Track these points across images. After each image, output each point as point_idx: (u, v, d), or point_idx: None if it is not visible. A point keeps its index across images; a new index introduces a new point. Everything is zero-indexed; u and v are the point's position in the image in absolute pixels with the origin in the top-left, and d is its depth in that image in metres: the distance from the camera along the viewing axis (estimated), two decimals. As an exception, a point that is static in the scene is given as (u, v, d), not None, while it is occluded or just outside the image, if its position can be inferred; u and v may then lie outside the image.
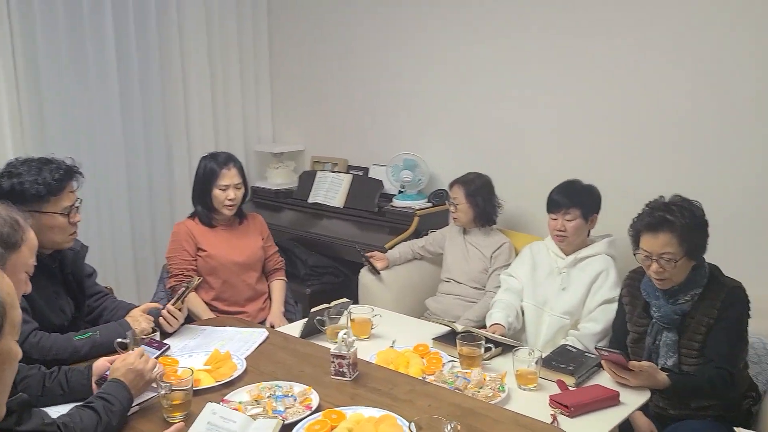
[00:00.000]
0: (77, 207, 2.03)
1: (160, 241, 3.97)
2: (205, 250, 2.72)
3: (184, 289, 2.18)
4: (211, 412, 1.44)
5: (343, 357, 1.83)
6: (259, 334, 2.15)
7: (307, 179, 4.00)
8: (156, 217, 3.95)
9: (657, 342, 2.14)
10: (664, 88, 2.80)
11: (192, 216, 2.80)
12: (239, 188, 2.74)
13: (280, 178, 4.19)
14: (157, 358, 1.84)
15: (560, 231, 2.61)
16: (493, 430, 1.56)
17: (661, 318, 2.12)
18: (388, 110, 3.84)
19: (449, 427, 1.39)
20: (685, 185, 2.31)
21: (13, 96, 3.25)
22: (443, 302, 3.03)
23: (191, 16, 3.93)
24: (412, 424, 1.42)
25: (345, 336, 1.85)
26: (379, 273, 3.09)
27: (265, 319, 2.77)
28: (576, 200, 2.59)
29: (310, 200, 3.90)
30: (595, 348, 2.09)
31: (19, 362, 1.12)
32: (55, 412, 1.51)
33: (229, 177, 2.70)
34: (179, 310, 2.14)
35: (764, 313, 2.36)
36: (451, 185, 3.09)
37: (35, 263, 1.58)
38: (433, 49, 3.56)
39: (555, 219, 2.62)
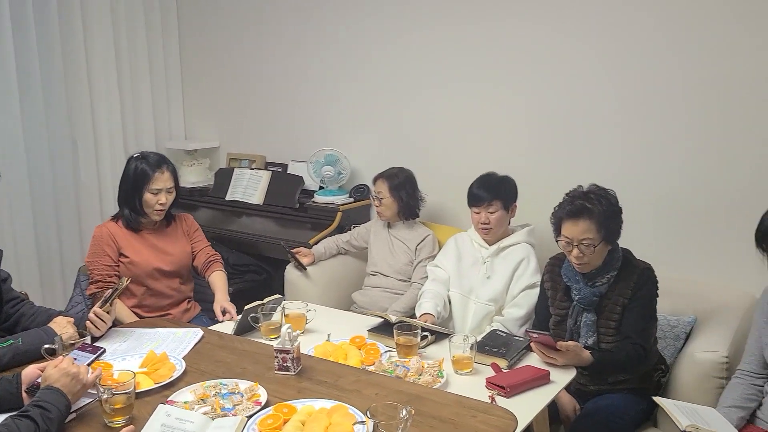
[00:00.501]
0: None
1: (67, 244, 3.77)
2: (127, 257, 2.59)
3: (112, 291, 2.09)
4: (164, 413, 1.40)
5: (287, 352, 1.83)
6: (194, 334, 2.10)
7: (223, 177, 3.92)
8: (62, 219, 3.74)
9: (578, 323, 2.29)
10: (577, 82, 2.96)
11: (115, 218, 2.66)
12: (171, 192, 2.62)
13: (194, 176, 4.09)
14: (91, 362, 1.76)
15: (485, 224, 2.71)
16: (441, 412, 1.62)
17: (581, 300, 2.27)
18: (307, 106, 3.83)
19: (404, 412, 1.43)
20: (594, 175, 2.47)
21: None
22: (370, 295, 3.07)
23: (94, 7, 3.74)
24: (368, 411, 1.45)
25: (289, 331, 1.84)
26: (305, 269, 3.09)
27: (191, 321, 2.70)
28: (496, 192, 2.70)
29: (228, 198, 3.83)
30: (526, 331, 2.20)
31: None
32: (-15, 424, 1.42)
33: (162, 181, 2.57)
34: (107, 312, 2.05)
35: (665, 292, 2.58)
36: (375, 180, 3.14)
37: None
38: (352, 43, 3.59)
39: (478, 213, 2.72)
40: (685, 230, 2.80)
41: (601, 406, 2.23)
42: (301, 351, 2.05)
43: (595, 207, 2.19)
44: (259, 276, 3.56)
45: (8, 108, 3.42)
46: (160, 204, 2.57)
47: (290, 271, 3.14)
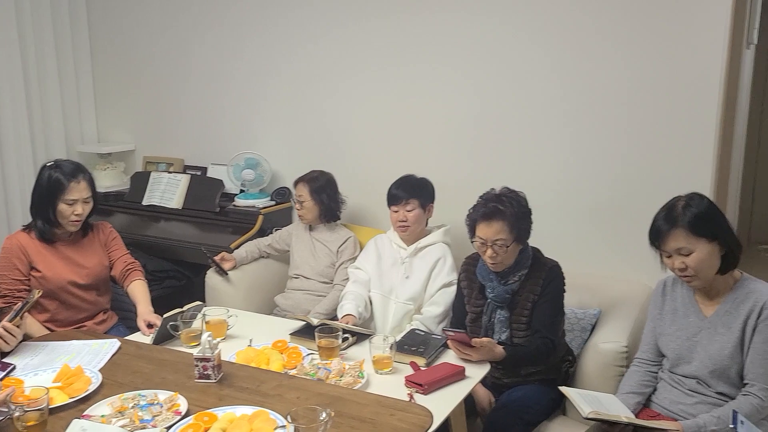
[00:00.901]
0: None
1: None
2: (39, 271, 2.49)
3: (22, 304, 2.02)
4: (80, 428, 1.39)
5: (207, 360, 1.83)
6: (111, 345, 2.07)
7: (139, 180, 3.83)
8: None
9: (492, 319, 2.40)
10: (491, 87, 3.07)
11: (27, 229, 2.55)
12: (88, 203, 2.52)
13: (108, 180, 3.96)
14: (1, 380, 1.71)
15: (402, 221, 2.80)
16: (361, 412, 1.67)
17: (495, 298, 2.38)
18: (226, 108, 3.79)
19: (324, 415, 1.47)
20: (506, 177, 2.59)
21: None
22: (292, 298, 3.09)
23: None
24: (289, 415, 1.48)
25: (208, 338, 1.85)
26: (226, 274, 3.08)
27: (107, 332, 2.63)
28: (413, 192, 2.79)
29: (145, 202, 3.74)
30: (443, 329, 2.29)
31: None
32: None
33: (77, 191, 2.47)
34: (17, 326, 1.99)
35: (572, 287, 2.74)
36: (296, 183, 3.16)
37: None
38: (271, 46, 3.58)
39: (396, 211, 2.80)
40: (591, 228, 2.97)
41: (513, 398, 2.35)
42: (223, 358, 2.06)
43: (507, 209, 2.30)
44: (179, 282, 3.50)
45: None
46: (76, 215, 2.48)
47: (211, 276, 3.11)
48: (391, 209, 2.82)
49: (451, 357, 2.20)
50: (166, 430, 1.47)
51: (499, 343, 2.33)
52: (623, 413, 1.92)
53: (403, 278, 2.80)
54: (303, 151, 3.59)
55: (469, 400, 2.39)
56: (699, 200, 1.98)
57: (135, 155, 4.13)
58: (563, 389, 2.01)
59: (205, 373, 1.84)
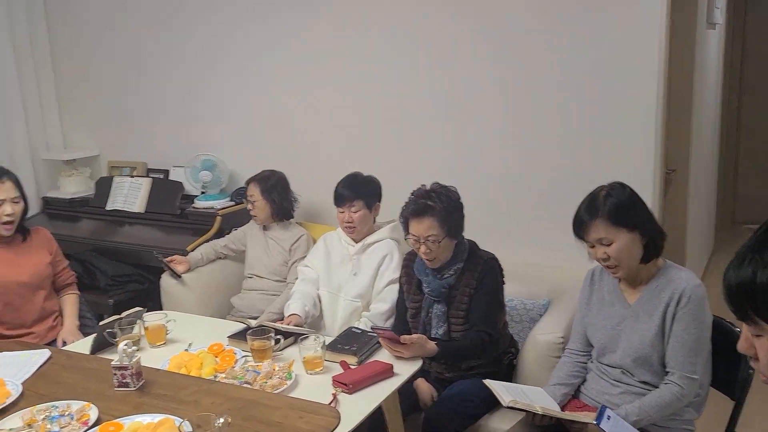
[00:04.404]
0: None
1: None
2: None
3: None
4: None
5: (125, 368, 1.85)
6: (41, 355, 2.09)
7: (103, 186, 3.85)
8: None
9: (429, 314, 2.39)
10: (431, 88, 3.08)
11: None
12: (17, 202, 2.59)
13: (74, 186, 3.99)
14: None
15: (348, 223, 2.79)
16: (271, 416, 1.68)
17: (431, 292, 2.37)
18: (185, 111, 3.80)
19: (219, 422, 1.48)
20: (451, 171, 2.60)
21: None
22: (247, 298, 3.10)
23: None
24: (183, 423, 1.49)
25: (125, 347, 1.86)
26: (180, 277, 3.09)
27: (56, 338, 2.66)
28: (359, 192, 2.78)
29: (109, 207, 3.77)
30: (371, 327, 2.29)
31: None
32: None
33: (3, 191, 2.54)
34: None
35: (522, 278, 2.73)
36: (247, 183, 3.17)
37: None
38: (225, 49, 3.59)
39: (342, 212, 2.80)
40: (540, 216, 2.95)
41: (453, 392, 2.34)
42: (158, 362, 2.08)
43: (436, 204, 2.29)
44: (141, 285, 3.52)
45: None
46: (7, 215, 2.55)
47: (165, 280, 3.13)
48: (338, 209, 2.82)
49: (385, 355, 2.20)
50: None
51: (436, 337, 2.33)
52: (547, 404, 1.92)
53: (351, 275, 2.81)
54: (260, 150, 3.60)
55: (413, 395, 2.41)
56: (620, 190, 1.97)
57: (100, 160, 4.15)
58: (487, 382, 2.01)
59: (124, 381, 1.85)
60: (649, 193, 2.69)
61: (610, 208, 1.92)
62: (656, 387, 1.92)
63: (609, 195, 1.95)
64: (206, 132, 3.76)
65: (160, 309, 2.90)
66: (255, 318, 2.83)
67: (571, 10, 2.74)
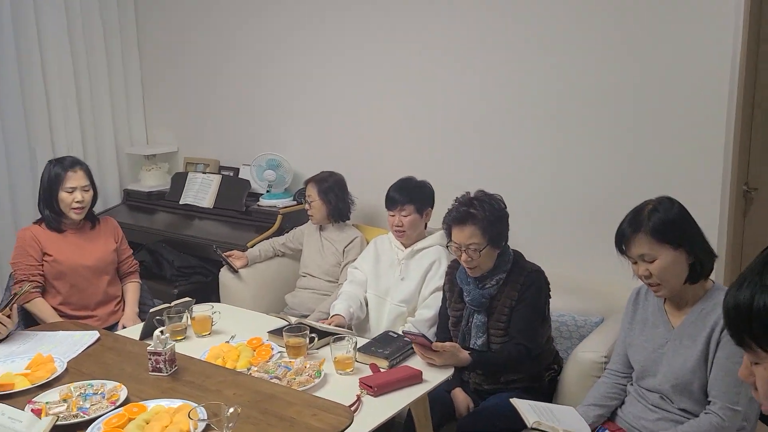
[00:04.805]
0: None
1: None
2: (51, 255, 2.72)
3: (12, 296, 2.21)
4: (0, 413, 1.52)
5: (159, 354, 1.93)
6: (90, 336, 2.21)
7: (178, 181, 4.05)
8: (20, 224, 3.88)
9: (469, 324, 2.35)
10: (491, 93, 3.04)
11: (38, 221, 2.80)
12: (87, 190, 2.75)
13: (153, 180, 4.21)
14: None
15: (398, 227, 2.79)
16: (285, 411, 1.70)
17: (472, 302, 2.33)
18: (257, 111, 3.93)
19: (229, 411, 1.52)
20: (501, 181, 2.55)
21: None
22: (299, 296, 3.16)
23: (49, 12, 3.84)
24: (198, 409, 1.54)
25: (159, 334, 1.95)
26: (236, 271, 3.19)
27: (117, 323, 2.82)
28: (410, 197, 2.78)
29: (181, 201, 3.95)
30: (403, 332, 2.27)
31: None
32: None
33: (75, 179, 2.72)
34: (8, 316, 2.18)
35: (575, 293, 2.63)
36: (306, 184, 3.23)
37: None
38: (297, 53, 3.68)
39: (393, 216, 2.80)
40: (598, 231, 2.82)
41: (489, 405, 2.29)
42: (199, 352, 2.17)
43: (478, 212, 2.25)
44: (206, 278, 3.66)
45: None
46: (77, 202, 2.70)
47: (224, 274, 3.24)
48: (388, 213, 2.83)
49: (417, 362, 2.18)
50: (56, 418, 1.57)
51: (474, 348, 2.29)
52: (576, 426, 1.84)
53: (398, 280, 2.80)
54: (324, 151, 3.66)
55: (450, 405, 2.38)
56: (668, 204, 1.86)
57: (178, 156, 4.36)
58: (513, 401, 1.95)
59: (158, 366, 1.93)
60: (715, 211, 2.53)
61: (654, 223, 1.81)
62: (696, 416, 1.79)
63: (655, 210, 1.84)
64: (275, 132, 3.87)
65: (219, 302, 3.02)
66: (305, 316, 2.88)
67: (648, 20, 2.61)
